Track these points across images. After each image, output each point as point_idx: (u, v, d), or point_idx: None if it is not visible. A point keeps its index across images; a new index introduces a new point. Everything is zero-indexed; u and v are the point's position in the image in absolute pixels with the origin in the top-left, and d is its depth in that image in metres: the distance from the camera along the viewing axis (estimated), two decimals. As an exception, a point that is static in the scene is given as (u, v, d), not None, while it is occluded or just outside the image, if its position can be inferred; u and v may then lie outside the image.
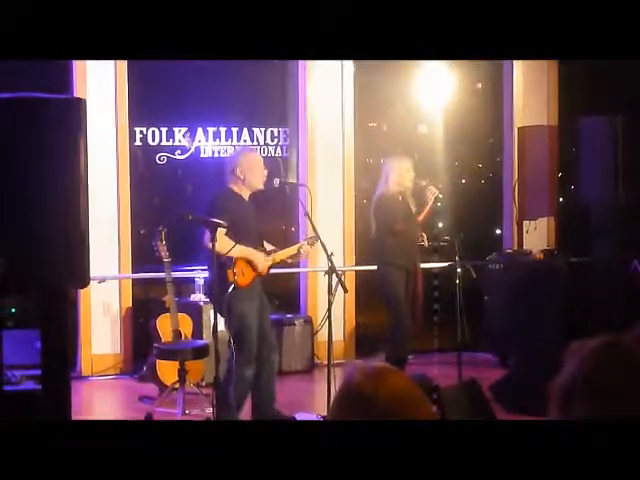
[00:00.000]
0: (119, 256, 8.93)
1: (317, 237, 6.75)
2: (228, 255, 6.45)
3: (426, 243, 8.19)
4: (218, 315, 6.29)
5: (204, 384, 7.96)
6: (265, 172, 6.79)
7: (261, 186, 6.79)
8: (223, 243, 6.34)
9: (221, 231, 6.27)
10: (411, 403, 2.04)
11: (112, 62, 8.78)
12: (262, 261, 6.67)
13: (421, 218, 8.11)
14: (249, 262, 6.61)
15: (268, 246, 6.91)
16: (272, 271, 6.90)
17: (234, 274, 6.51)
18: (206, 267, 6.92)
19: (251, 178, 6.72)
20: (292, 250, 6.96)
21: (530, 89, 10.21)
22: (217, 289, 6.46)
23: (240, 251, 6.54)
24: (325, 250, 6.49)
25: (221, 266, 6.43)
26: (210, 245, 5.96)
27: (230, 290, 6.45)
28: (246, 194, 6.75)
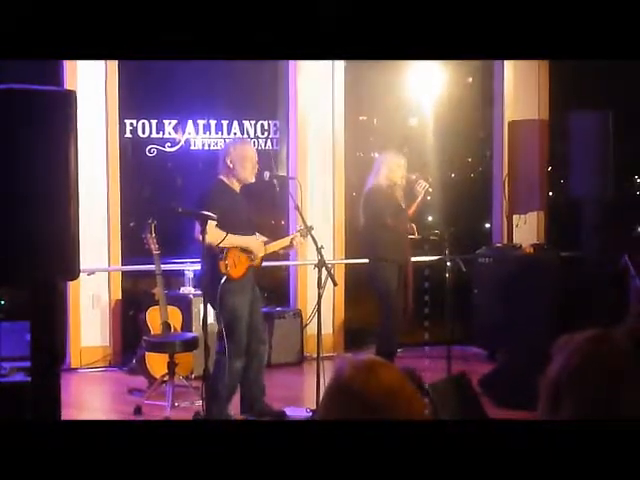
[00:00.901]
0: (109, 248, 8.91)
1: (310, 228, 6.75)
2: (221, 246, 6.44)
3: (416, 234, 8.19)
4: (208, 307, 6.28)
5: (193, 377, 7.95)
6: (256, 166, 6.77)
7: (251, 179, 6.76)
8: (215, 234, 6.34)
9: (213, 223, 6.26)
10: (402, 396, 2.05)
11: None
12: (257, 245, 6.67)
13: (411, 212, 8.12)
14: (244, 250, 6.61)
15: (260, 238, 6.91)
16: (262, 264, 6.90)
17: (226, 266, 6.50)
18: (199, 260, 6.91)
19: (241, 170, 6.70)
20: (285, 241, 6.96)
21: (521, 83, 10.22)
22: (209, 281, 6.46)
23: (234, 240, 6.53)
24: (315, 243, 6.49)
25: (213, 258, 6.43)
26: (200, 238, 5.96)
27: (223, 282, 6.44)
28: (237, 186, 6.74)
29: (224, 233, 6.43)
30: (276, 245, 6.91)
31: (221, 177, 6.74)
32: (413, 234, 8.18)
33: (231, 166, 6.68)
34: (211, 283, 6.42)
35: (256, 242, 6.71)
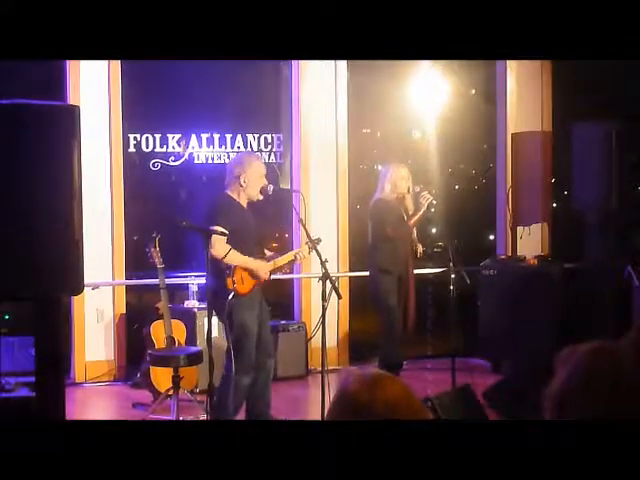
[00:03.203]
0: (112, 262, 8.91)
1: (318, 241, 6.75)
2: (228, 263, 6.43)
3: (419, 253, 8.18)
4: (212, 321, 6.26)
5: (198, 391, 7.95)
6: (266, 183, 6.74)
7: (260, 197, 6.74)
8: (222, 248, 6.33)
9: (221, 237, 6.26)
10: (407, 410, 2.04)
11: (105, 68, 8.79)
12: (263, 268, 6.64)
13: (412, 223, 8.08)
14: (249, 271, 6.59)
15: (269, 253, 6.90)
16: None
17: (233, 282, 6.49)
18: (203, 273, 6.89)
19: (254, 188, 6.65)
20: (290, 256, 6.95)
21: (524, 95, 10.22)
22: (216, 296, 6.39)
23: (240, 260, 6.51)
24: (319, 256, 6.48)
25: (220, 273, 6.42)
26: (211, 252, 5.95)
27: (231, 298, 6.43)
28: (244, 201, 6.71)
29: (228, 247, 6.42)
30: (284, 259, 6.90)
31: (228, 192, 6.71)
32: (416, 253, 8.16)
33: (244, 184, 6.65)
34: (218, 298, 6.39)
35: (261, 265, 6.66)
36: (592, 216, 9.04)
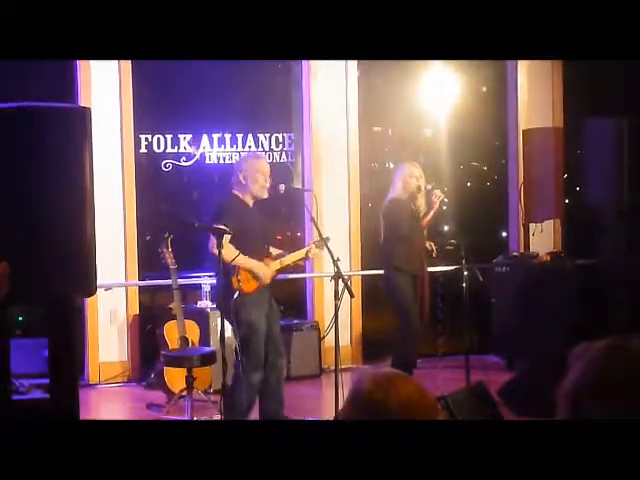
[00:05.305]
0: (125, 263, 8.93)
1: (326, 240, 6.75)
2: (232, 263, 6.45)
3: (434, 253, 8.17)
4: (225, 321, 6.28)
5: (212, 391, 7.96)
6: (269, 180, 6.75)
7: (264, 195, 6.75)
8: (227, 251, 6.33)
9: (226, 238, 6.26)
10: (422, 409, 2.04)
11: (116, 69, 8.80)
12: (264, 273, 6.64)
13: (425, 221, 8.08)
14: (252, 274, 6.61)
15: (275, 251, 6.91)
16: (276, 277, 6.89)
17: (238, 281, 6.51)
18: (213, 274, 6.91)
19: (253, 185, 6.69)
20: (300, 254, 6.96)
21: (535, 91, 10.20)
22: (223, 295, 6.46)
23: (242, 262, 6.52)
24: (331, 255, 6.48)
25: (226, 273, 6.43)
26: (215, 252, 5.96)
27: (236, 296, 6.45)
28: (250, 200, 6.73)
29: (236, 251, 6.43)
30: (291, 258, 6.91)
31: (235, 192, 6.75)
32: (431, 252, 8.16)
33: (243, 181, 6.68)
34: (225, 297, 6.43)
35: (264, 269, 6.65)
36: (605, 212, 9.01)
